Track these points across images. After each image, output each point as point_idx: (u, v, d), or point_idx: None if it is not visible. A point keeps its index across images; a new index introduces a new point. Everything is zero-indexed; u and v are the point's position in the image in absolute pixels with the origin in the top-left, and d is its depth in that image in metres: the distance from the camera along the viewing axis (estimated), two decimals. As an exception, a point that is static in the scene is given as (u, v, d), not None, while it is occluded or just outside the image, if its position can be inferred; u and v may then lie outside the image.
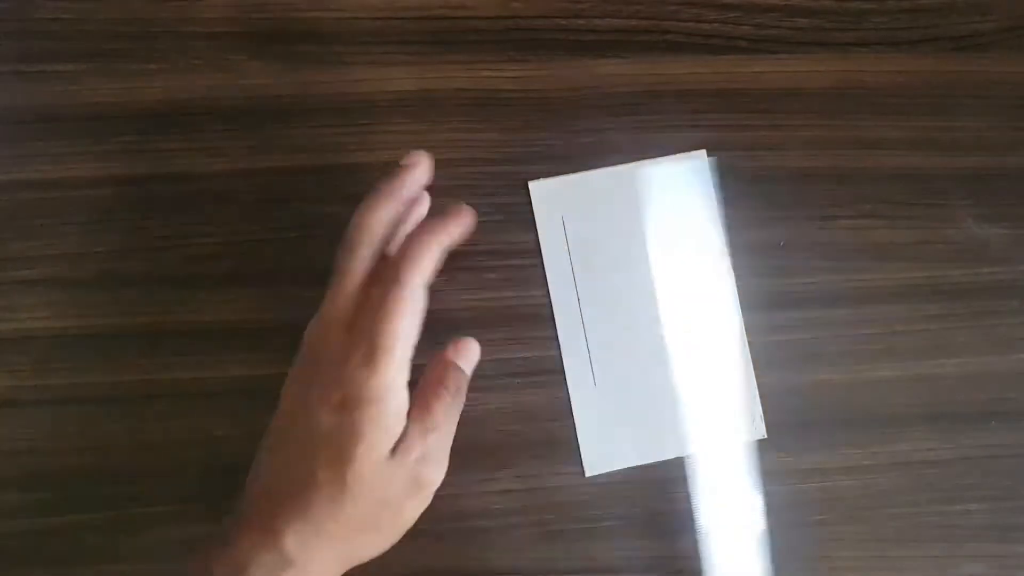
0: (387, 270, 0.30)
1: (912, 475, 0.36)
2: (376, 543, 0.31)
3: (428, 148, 0.37)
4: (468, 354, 0.34)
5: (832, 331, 0.37)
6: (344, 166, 0.37)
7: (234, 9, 0.38)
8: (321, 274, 0.36)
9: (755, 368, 0.36)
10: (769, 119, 0.38)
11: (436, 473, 0.31)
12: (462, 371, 0.33)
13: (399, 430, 0.30)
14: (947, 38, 0.39)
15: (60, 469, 0.35)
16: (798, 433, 0.36)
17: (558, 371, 0.36)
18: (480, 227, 0.37)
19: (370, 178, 0.37)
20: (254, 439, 0.35)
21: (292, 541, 0.28)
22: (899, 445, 0.36)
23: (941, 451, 0.36)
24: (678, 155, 0.38)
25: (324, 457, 0.29)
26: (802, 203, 0.37)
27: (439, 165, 0.37)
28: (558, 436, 0.36)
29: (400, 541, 0.31)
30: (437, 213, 0.31)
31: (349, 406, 0.29)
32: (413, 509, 0.31)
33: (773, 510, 0.36)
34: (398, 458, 0.30)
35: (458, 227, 0.31)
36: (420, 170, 0.33)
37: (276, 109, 0.37)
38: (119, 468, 0.35)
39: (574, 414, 0.36)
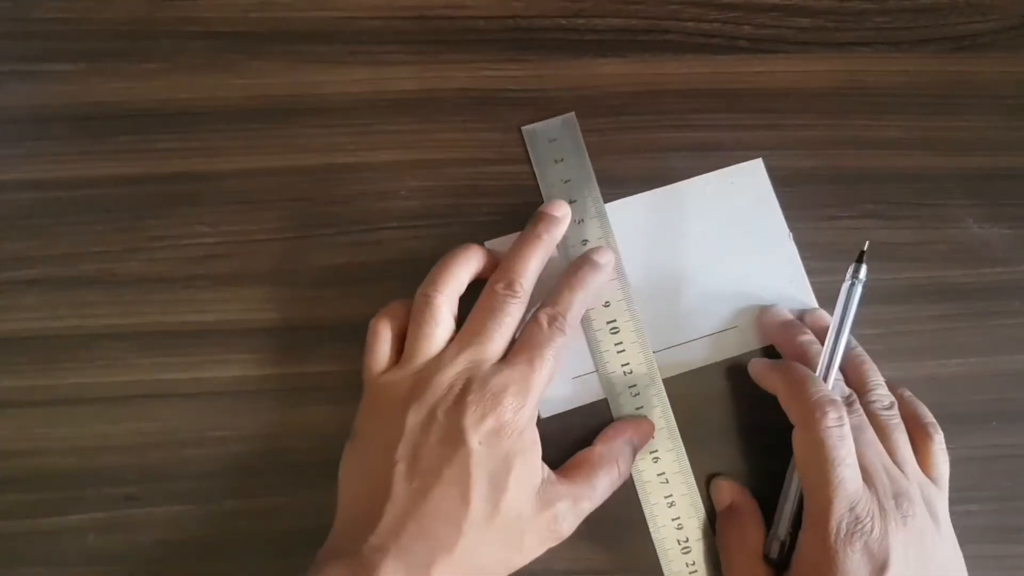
0: (553, 315, 0.32)
1: (913, 475, 0.36)
2: (494, 574, 0.31)
3: (428, 148, 0.37)
4: (646, 436, 0.35)
5: (832, 331, 0.37)
6: (344, 166, 0.37)
7: (234, 9, 0.38)
8: (321, 274, 0.36)
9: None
10: (769, 119, 0.38)
11: (569, 531, 0.32)
12: (635, 452, 0.34)
13: (539, 461, 0.31)
14: (947, 38, 0.39)
15: (60, 469, 0.35)
16: (799, 433, 0.36)
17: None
18: (482, 228, 0.37)
19: (370, 178, 0.37)
20: (253, 439, 0.35)
21: None
22: (900, 445, 0.36)
23: (942, 451, 0.36)
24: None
25: (479, 482, 0.30)
26: (802, 203, 0.37)
27: (439, 165, 0.37)
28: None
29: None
30: (586, 260, 0.34)
31: (502, 434, 0.30)
32: (534, 553, 0.31)
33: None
34: (544, 506, 0.31)
35: (605, 277, 0.35)
36: (568, 219, 0.35)
37: (276, 109, 0.37)
38: (119, 468, 0.35)
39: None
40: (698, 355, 0.36)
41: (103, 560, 0.34)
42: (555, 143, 0.37)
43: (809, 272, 0.37)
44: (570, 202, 0.36)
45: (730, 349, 0.36)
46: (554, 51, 0.38)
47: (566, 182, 0.37)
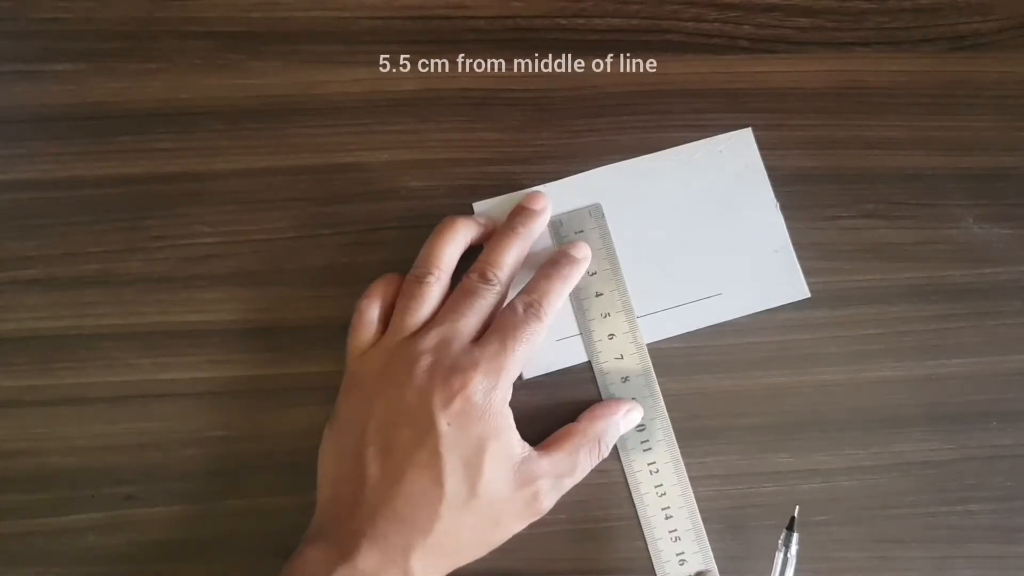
0: (529, 301, 0.32)
1: (913, 475, 0.36)
2: (475, 554, 0.31)
3: (428, 148, 0.37)
4: (635, 420, 0.35)
5: (832, 331, 0.37)
6: (344, 166, 0.37)
7: (234, 9, 0.38)
8: (321, 274, 0.36)
9: (754, 370, 0.36)
10: (769, 119, 0.38)
11: (550, 507, 0.32)
12: (619, 432, 0.34)
13: (515, 441, 0.31)
14: (947, 38, 0.39)
15: (60, 469, 0.35)
16: (799, 433, 0.36)
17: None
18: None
19: (370, 178, 0.37)
20: (253, 439, 0.35)
21: (418, 560, 0.29)
22: (900, 445, 0.36)
23: (942, 451, 0.36)
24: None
25: (452, 465, 0.30)
26: (802, 203, 0.37)
27: (439, 165, 0.37)
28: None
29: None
30: (564, 255, 0.35)
31: (471, 415, 0.30)
32: (513, 530, 0.32)
33: (774, 510, 0.35)
34: (523, 483, 0.31)
35: (582, 271, 0.35)
36: (548, 212, 0.36)
37: (276, 109, 0.37)
38: (119, 468, 0.35)
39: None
40: (682, 321, 0.36)
41: (103, 560, 0.34)
42: (581, 235, 0.36)
43: (809, 272, 0.37)
44: (596, 295, 0.36)
45: (714, 315, 0.36)
46: (554, 51, 0.38)
47: (592, 274, 0.36)
